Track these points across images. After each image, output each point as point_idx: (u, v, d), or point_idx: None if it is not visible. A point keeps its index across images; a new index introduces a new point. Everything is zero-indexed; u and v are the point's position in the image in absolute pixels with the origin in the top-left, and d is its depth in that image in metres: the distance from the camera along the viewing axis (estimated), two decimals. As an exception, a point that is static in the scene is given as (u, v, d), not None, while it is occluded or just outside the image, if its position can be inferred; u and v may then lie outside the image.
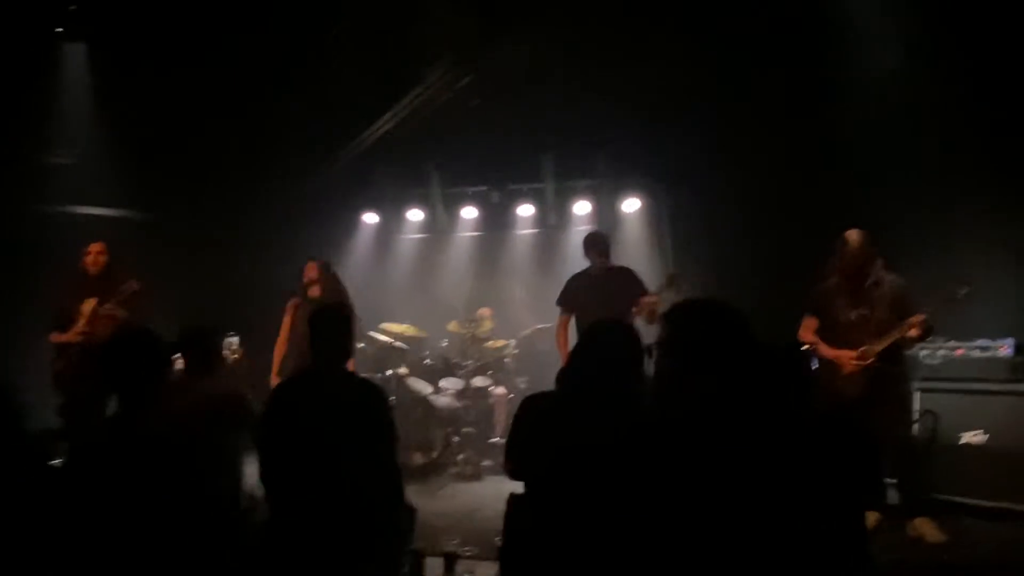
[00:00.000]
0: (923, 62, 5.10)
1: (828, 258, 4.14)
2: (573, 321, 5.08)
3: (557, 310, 5.21)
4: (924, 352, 4.59)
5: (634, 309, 4.64)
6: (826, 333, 4.13)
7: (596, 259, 4.99)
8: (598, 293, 4.84)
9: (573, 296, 5.08)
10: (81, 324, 4.75)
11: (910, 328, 3.84)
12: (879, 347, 3.91)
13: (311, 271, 5.36)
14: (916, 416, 4.41)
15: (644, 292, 4.77)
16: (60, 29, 6.20)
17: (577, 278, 5.16)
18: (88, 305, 4.79)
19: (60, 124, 6.50)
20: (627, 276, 4.98)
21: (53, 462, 2.47)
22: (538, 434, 2.48)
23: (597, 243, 5.04)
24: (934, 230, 5.11)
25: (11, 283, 5.81)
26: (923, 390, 4.51)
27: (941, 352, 4.57)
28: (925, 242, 4.98)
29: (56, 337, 4.82)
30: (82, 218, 6.60)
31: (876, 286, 3.99)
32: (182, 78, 6.24)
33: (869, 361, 3.93)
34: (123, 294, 4.73)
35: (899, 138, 5.25)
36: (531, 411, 2.53)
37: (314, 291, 5.28)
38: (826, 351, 4.04)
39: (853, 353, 3.96)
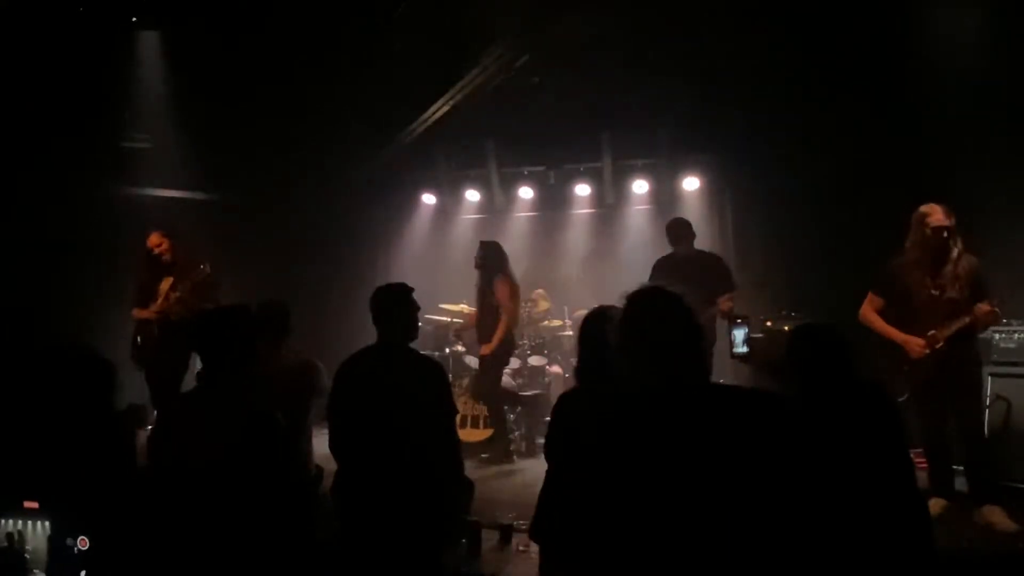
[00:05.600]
0: (1001, 31, 4.83)
1: (905, 232, 3.94)
2: None
3: (614, 290, 5.17)
4: (999, 335, 4.40)
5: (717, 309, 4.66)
6: (896, 311, 3.97)
7: (680, 243, 5.10)
8: (683, 277, 4.80)
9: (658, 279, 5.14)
10: (159, 302, 5.04)
11: (977, 316, 3.69)
12: (948, 332, 3.77)
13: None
14: (988, 401, 4.25)
15: (731, 285, 4.83)
16: (135, 18, 6.47)
17: (660, 263, 5.21)
18: (165, 284, 5.08)
19: (136, 110, 6.81)
20: (716, 263, 5.04)
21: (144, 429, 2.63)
22: (574, 433, 2.46)
23: (681, 228, 5.14)
24: (1009, 209, 4.88)
25: (93, 263, 6.15)
26: (995, 375, 4.33)
27: (1017, 336, 4.38)
28: (999, 221, 4.76)
29: (138, 313, 5.13)
30: (158, 200, 6.93)
31: (955, 264, 3.82)
32: (249, 63, 6.45)
33: (938, 346, 3.79)
34: (197, 277, 4.98)
35: (971, 113, 5.00)
36: (562, 410, 2.56)
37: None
38: (895, 335, 3.91)
39: (921, 341, 3.82)
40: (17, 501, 2.34)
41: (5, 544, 2.31)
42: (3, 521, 2.34)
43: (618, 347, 1.97)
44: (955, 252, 3.82)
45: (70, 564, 2.27)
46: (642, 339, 1.92)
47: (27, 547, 2.33)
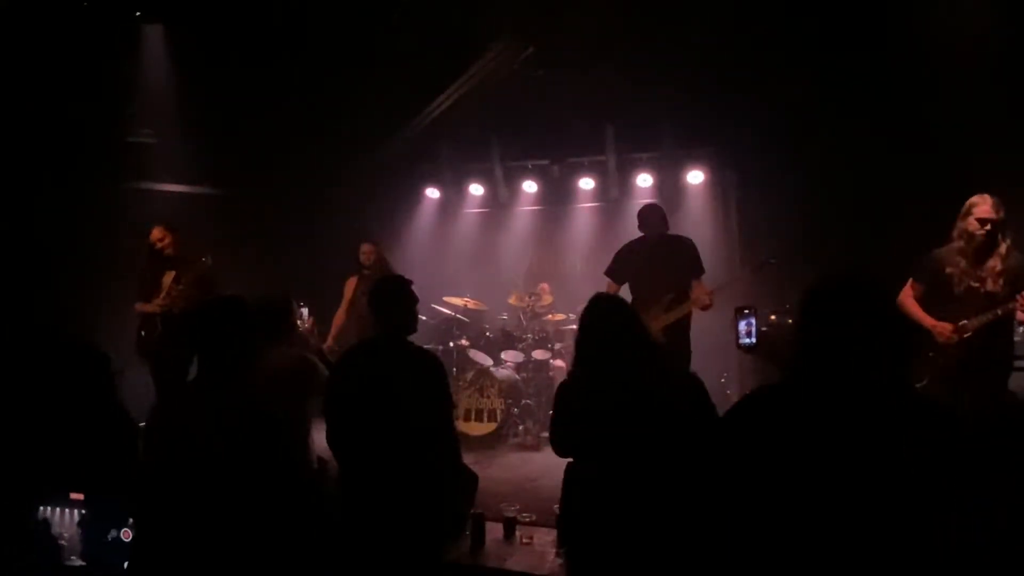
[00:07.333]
0: (1007, 19, 4.79)
1: (952, 222, 3.84)
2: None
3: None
4: (1005, 329, 4.37)
5: (699, 295, 4.52)
6: (934, 300, 3.89)
7: (653, 229, 4.80)
8: (656, 261, 4.69)
9: (625, 265, 4.90)
10: (162, 296, 5.07)
11: (1019, 303, 3.63)
12: (979, 322, 3.72)
13: (369, 253, 5.98)
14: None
15: (700, 268, 4.69)
16: (138, 12, 6.47)
17: (631, 246, 4.95)
18: (168, 277, 5.11)
19: (141, 104, 6.80)
20: (687, 246, 4.83)
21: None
22: (570, 417, 2.66)
23: (655, 215, 4.84)
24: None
25: (98, 257, 6.17)
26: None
27: (1022, 329, 4.34)
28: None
29: (140, 307, 5.15)
30: (163, 194, 6.94)
31: (1001, 260, 3.73)
32: (253, 57, 6.45)
33: (967, 335, 3.76)
34: (199, 270, 5.01)
35: (983, 106, 4.95)
36: (562, 396, 2.74)
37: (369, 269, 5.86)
38: (926, 319, 3.83)
39: (950, 326, 3.75)
40: (62, 492, 2.35)
41: (41, 531, 2.33)
42: (39, 509, 2.35)
43: (803, 334, 1.80)
44: (1003, 247, 3.73)
45: (114, 554, 2.28)
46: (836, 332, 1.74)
47: (63, 535, 2.35)
